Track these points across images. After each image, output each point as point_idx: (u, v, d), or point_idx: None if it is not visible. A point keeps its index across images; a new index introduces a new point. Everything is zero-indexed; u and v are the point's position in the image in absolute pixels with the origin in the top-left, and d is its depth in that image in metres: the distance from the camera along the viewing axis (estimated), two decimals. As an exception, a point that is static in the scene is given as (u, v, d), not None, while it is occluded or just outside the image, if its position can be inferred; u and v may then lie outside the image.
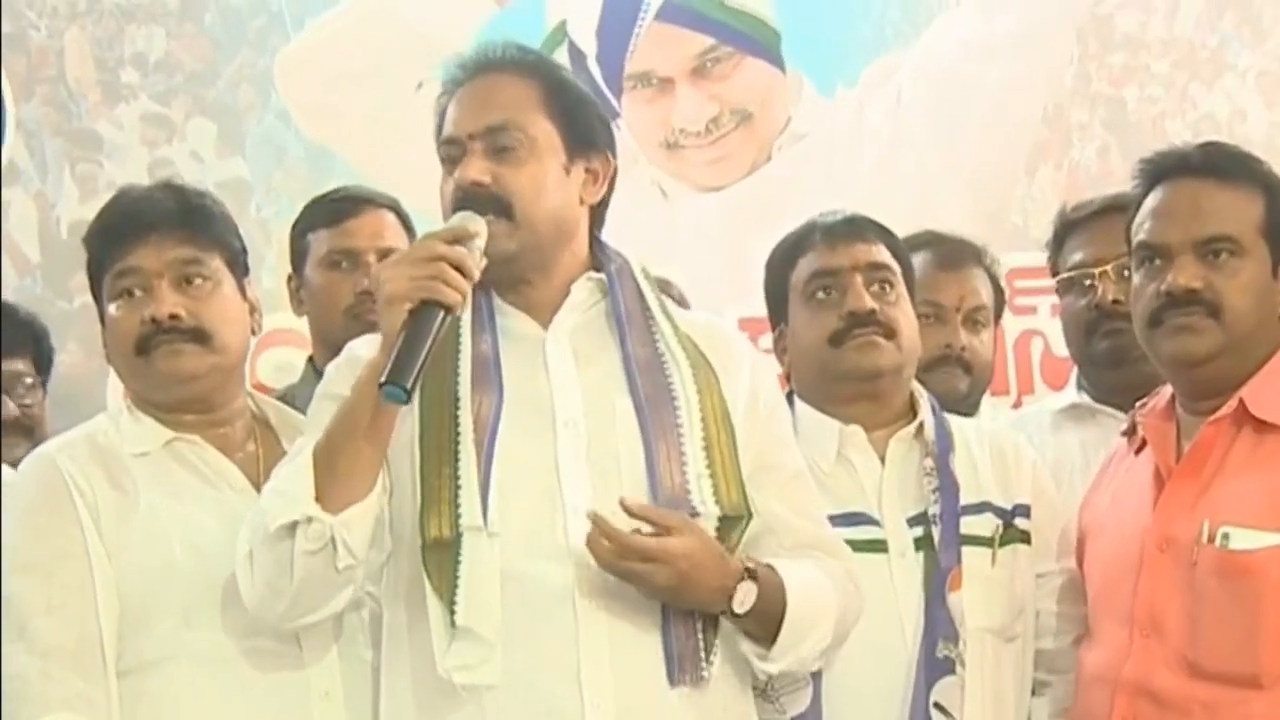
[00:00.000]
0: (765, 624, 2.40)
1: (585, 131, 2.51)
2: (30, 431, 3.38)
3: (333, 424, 2.33)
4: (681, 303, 3.76)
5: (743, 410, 2.48)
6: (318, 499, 2.29)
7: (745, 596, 2.36)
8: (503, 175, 2.40)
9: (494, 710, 2.31)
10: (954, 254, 3.42)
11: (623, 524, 2.31)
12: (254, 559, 2.34)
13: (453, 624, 2.30)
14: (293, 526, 2.29)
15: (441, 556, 2.31)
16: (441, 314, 2.29)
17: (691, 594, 2.34)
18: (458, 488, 2.32)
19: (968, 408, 3.20)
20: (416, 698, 2.36)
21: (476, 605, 2.30)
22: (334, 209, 3.49)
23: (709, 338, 2.54)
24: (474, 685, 2.30)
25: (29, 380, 3.47)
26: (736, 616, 2.38)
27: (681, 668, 2.35)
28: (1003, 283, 3.49)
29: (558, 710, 2.30)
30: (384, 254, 3.42)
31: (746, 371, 2.53)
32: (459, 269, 2.30)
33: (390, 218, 3.47)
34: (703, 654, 2.37)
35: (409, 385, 2.25)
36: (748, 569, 2.38)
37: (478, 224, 2.36)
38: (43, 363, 3.53)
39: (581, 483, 2.36)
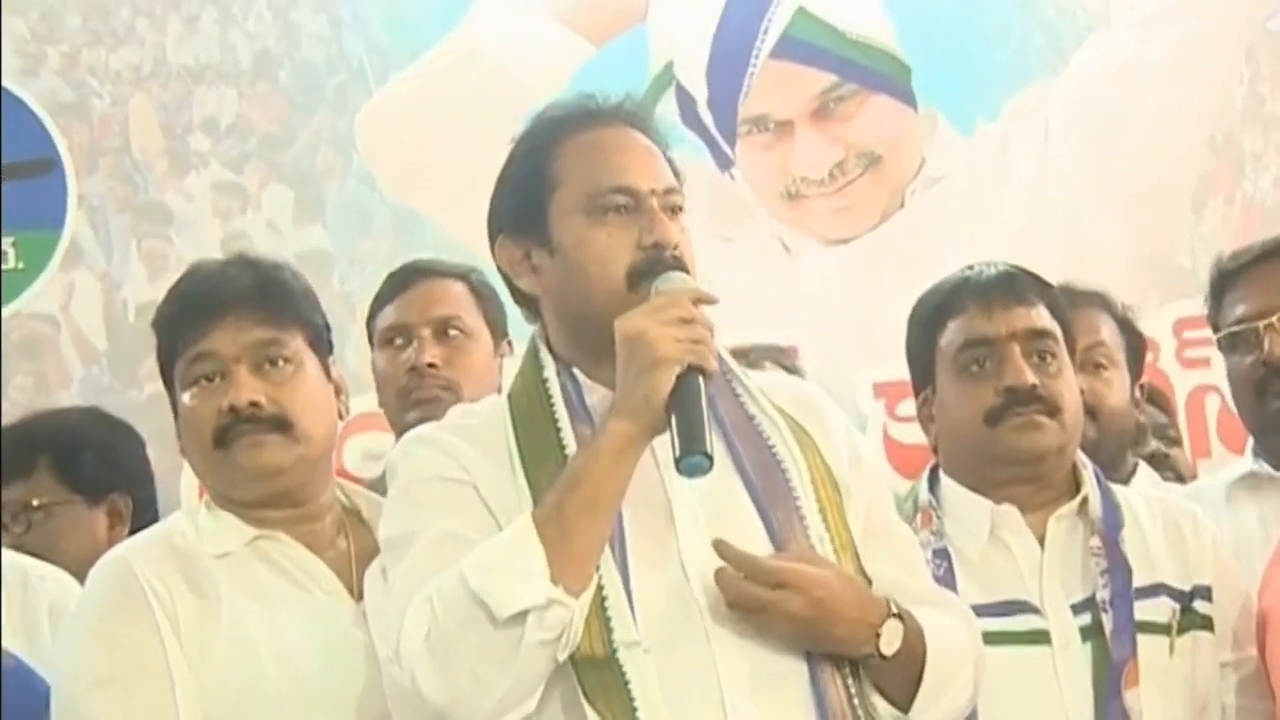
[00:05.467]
0: (907, 673, 2.40)
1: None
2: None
3: (565, 495, 2.31)
4: (796, 372, 3.76)
5: (847, 472, 2.50)
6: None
7: (893, 635, 2.37)
8: (681, 240, 2.45)
9: None
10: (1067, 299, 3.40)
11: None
12: (449, 647, 2.29)
13: None
14: (525, 612, 2.27)
15: (602, 676, 2.32)
16: (702, 380, 2.32)
17: (833, 628, 2.35)
18: (604, 598, 2.33)
19: (1106, 459, 3.16)
20: None
21: None
22: (393, 283, 3.56)
23: (796, 401, 2.55)
24: None
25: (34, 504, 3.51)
26: (881, 660, 2.37)
27: None
28: (1140, 327, 3.48)
29: None
30: (439, 324, 3.46)
31: (841, 432, 2.55)
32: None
33: (455, 287, 3.51)
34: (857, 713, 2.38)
35: (711, 451, 2.28)
36: (892, 607, 2.40)
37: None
38: (73, 474, 3.56)
39: (711, 581, 2.36)
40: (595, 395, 2.45)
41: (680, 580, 2.38)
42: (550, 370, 2.47)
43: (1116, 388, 3.38)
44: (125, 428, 3.67)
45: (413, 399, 3.41)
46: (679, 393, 2.30)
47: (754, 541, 2.39)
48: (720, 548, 2.34)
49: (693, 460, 2.28)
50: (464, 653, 2.28)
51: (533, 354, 2.51)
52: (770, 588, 2.32)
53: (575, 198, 2.45)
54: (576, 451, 2.37)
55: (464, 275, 3.55)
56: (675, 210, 2.47)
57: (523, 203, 2.49)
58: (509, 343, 3.54)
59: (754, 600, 2.32)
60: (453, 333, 3.48)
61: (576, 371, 2.46)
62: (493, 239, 2.53)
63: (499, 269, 2.53)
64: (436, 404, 3.34)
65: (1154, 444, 3.98)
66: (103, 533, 3.47)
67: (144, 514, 3.47)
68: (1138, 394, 3.46)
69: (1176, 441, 4.21)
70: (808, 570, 2.35)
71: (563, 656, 2.29)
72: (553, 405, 2.44)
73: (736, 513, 2.41)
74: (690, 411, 2.29)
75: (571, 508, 2.30)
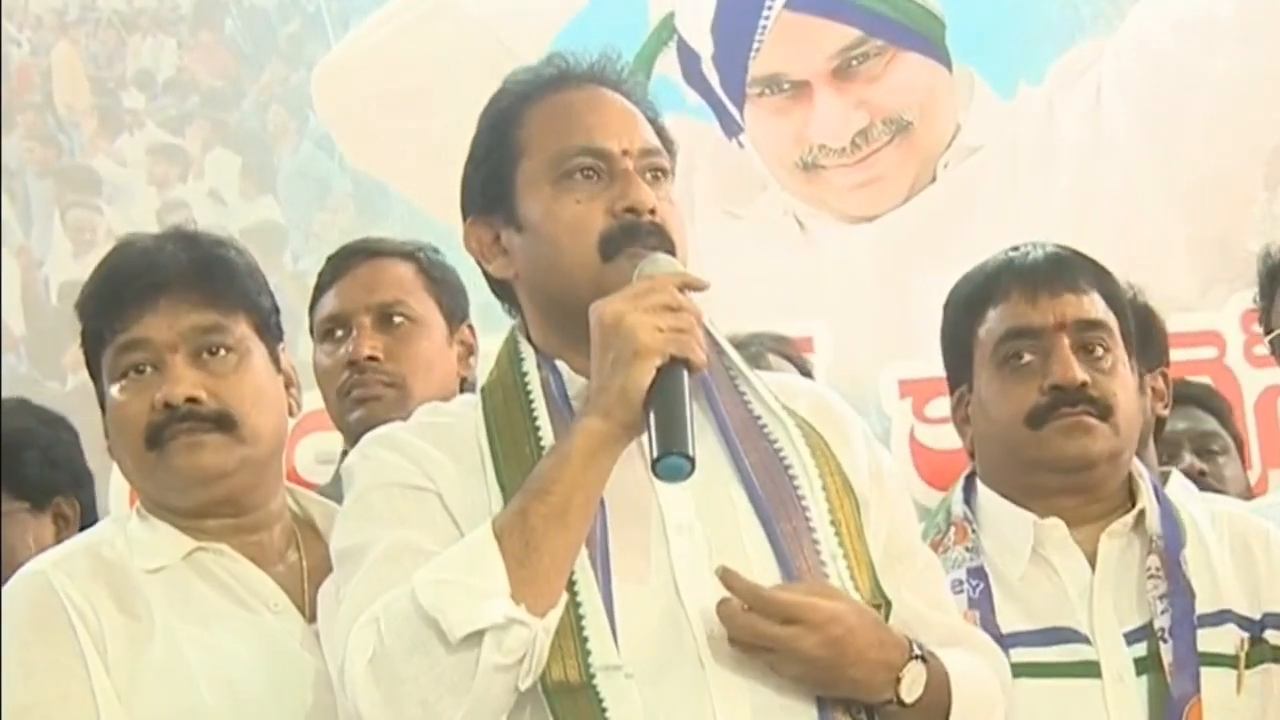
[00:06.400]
0: None
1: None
2: None
3: (529, 502, 2.32)
4: (802, 367, 3.77)
5: (867, 486, 2.51)
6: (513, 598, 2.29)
7: (915, 680, 2.38)
8: (661, 206, 2.48)
9: None
10: None
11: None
12: (396, 672, 2.30)
13: None
14: (481, 632, 2.28)
15: (578, 704, 2.33)
16: (687, 375, 2.33)
17: (849, 669, 2.36)
18: (580, 618, 2.34)
19: None
20: None
21: None
22: (332, 268, 3.58)
23: (811, 405, 2.56)
24: None
25: None
26: (901, 708, 2.38)
27: None
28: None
29: None
30: (381, 311, 3.46)
31: (861, 441, 2.56)
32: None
33: (399, 269, 3.53)
34: None
35: (694, 454, 2.28)
36: (915, 648, 2.40)
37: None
38: (15, 478, 3.57)
39: (709, 600, 2.37)
40: (578, 389, 2.46)
41: (672, 599, 2.39)
42: (530, 362, 2.48)
43: None
44: (60, 421, 3.69)
45: (354, 397, 3.43)
46: (659, 387, 2.30)
47: (757, 556, 2.40)
48: (726, 577, 2.34)
49: (670, 462, 2.28)
50: (412, 678, 2.29)
51: (510, 346, 2.52)
52: (780, 623, 2.33)
53: (541, 166, 2.48)
54: (545, 453, 2.38)
55: (411, 254, 3.56)
56: (657, 173, 2.49)
57: (488, 178, 2.52)
58: (469, 328, 3.54)
59: (762, 637, 2.33)
60: (397, 320, 3.49)
61: (559, 363, 2.48)
62: (464, 222, 2.55)
63: (473, 257, 2.55)
64: (380, 403, 3.37)
65: (1188, 459, 3.97)
66: (50, 541, 3.48)
67: (89, 518, 3.51)
68: (1158, 383, 3.45)
69: (1222, 451, 4.19)
70: (823, 605, 2.35)
71: (524, 684, 2.30)
72: (531, 401, 2.46)
73: (737, 523, 2.42)
74: (671, 408, 2.30)
75: (537, 516, 2.31)
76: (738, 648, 2.34)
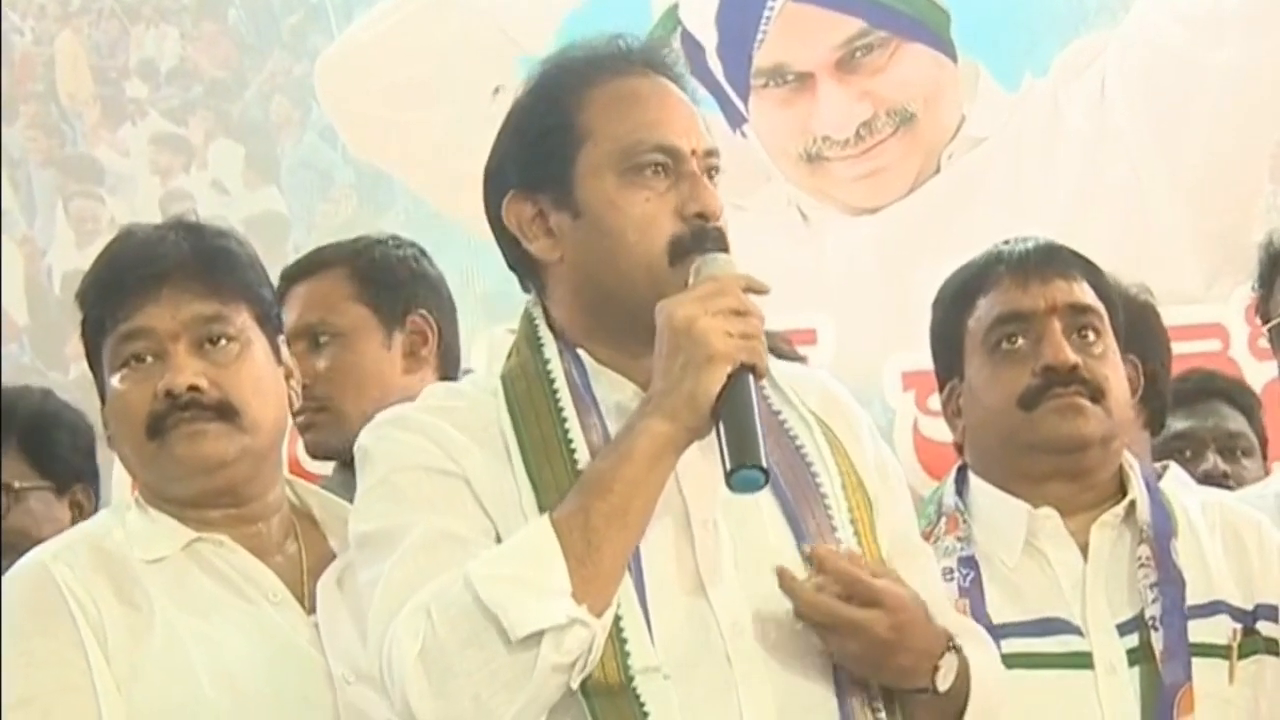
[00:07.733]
0: (949, 709, 2.44)
1: None
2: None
3: (590, 501, 2.32)
4: (798, 362, 3.78)
5: (875, 483, 2.53)
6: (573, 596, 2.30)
7: (949, 669, 2.40)
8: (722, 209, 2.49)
9: None
10: None
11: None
12: (449, 665, 2.30)
13: None
14: (541, 631, 2.27)
15: (618, 706, 2.34)
16: (753, 382, 2.34)
17: (901, 657, 2.38)
18: (618, 618, 2.34)
19: None
20: None
21: None
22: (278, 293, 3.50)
23: (821, 399, 2.58)
24: None
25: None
26: (931, 695, 2.40)
27: None
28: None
29: None
30: (308, 332, 3.37)
31: (868, 437, 2.58)
32: None
33: (322, 285, 3.42)
34: None
35: (767, 464, 2.30)
36: (951, 640, 2.42)
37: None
38: (44, 458, 3.60)
39: (734, 596, 2.40)
40: (602, 381, 2.47)
41: (697, 596, 2.40)
42: (551, 350, 2.48)
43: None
44: (82, 415, 3.69)
45: (297, 424, 3.31)
46: (729, 395, 2.31)
47: (781, 555, 2.41)
48: (819, 556, 2.36)
49: (745, 475, 2.29)
50: (467, 673, 2.29)
51: (529, 331, 2.51)
52: (860, 605, 2.35)
53: (607, 154, 2.45)
54: (603, 452, 2.38)
55: (342, 260, 3.45)
56: (713, 173, 2.48)
57: (541, 156, 2.49)
58: (424, 317, 3.41)
59: (838, 619, 2.35)
60: (323, 339, 3.39)
61: (581, 353, 2.48)
62: (499, 194, 2.51)
63: (503, 230, 2.51)
64: (317, 429, 3.34)
65: (1211, 459, 3.97)
66: (67, 526, 3.49)
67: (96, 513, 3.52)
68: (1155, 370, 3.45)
69: (1247, 453, 4.17)
70: (899, 590, 2.37)
71: (575, 684, 2.31)
72: (556, 392, 2.45)
73: (761, 519, 2.43)
74: (742, 417, 2.30)
75: (598, 516, 2.31)
76: (807, 620, 2.35)
